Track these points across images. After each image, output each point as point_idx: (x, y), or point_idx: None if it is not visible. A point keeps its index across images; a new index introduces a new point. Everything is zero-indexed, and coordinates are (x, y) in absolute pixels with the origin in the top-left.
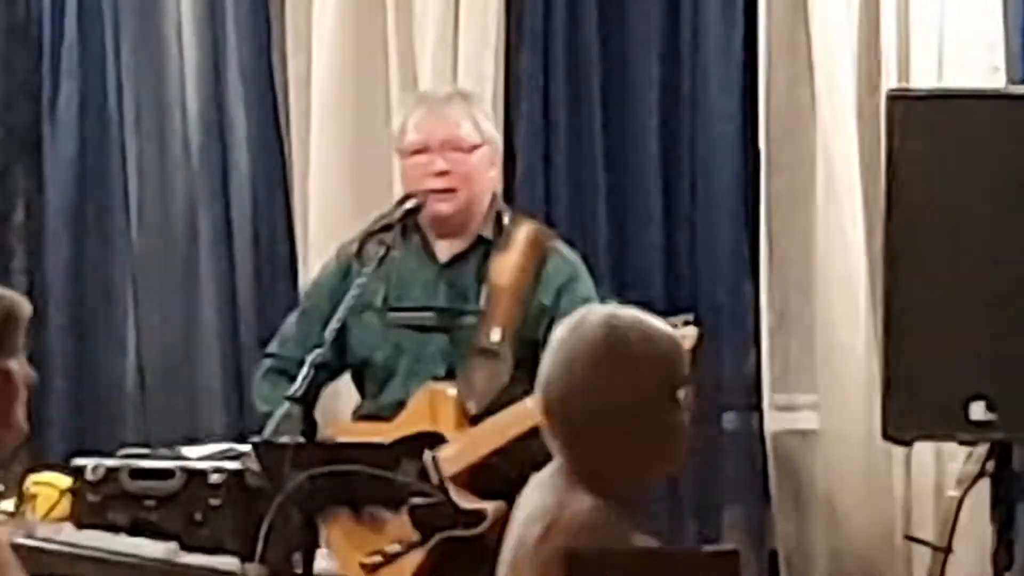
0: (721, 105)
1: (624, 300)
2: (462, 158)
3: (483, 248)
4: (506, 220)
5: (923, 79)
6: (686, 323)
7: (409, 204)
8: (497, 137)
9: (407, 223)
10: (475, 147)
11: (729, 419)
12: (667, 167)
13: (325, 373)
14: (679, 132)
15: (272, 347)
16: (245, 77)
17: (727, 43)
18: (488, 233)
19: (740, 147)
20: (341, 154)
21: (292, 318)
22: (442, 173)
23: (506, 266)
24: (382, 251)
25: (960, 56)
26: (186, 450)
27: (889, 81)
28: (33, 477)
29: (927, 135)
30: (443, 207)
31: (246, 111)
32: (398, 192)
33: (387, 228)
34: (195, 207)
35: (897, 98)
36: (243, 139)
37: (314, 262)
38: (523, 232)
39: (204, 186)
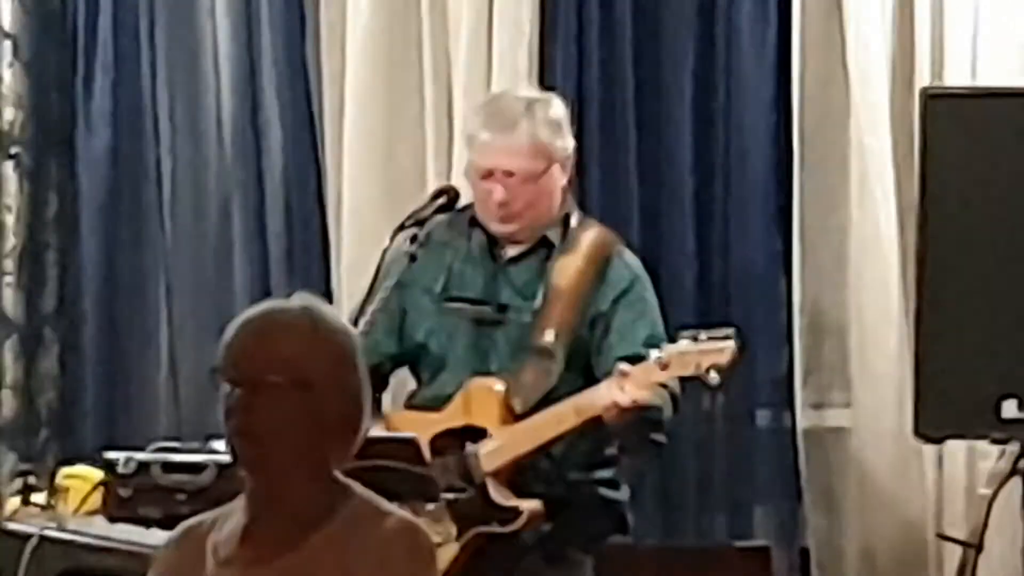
0: (755, 102)
1: (657, 299)
2: (524, 189)
3: (546, 249)
4: (573, 222)
5: (957, 77)
6: (726, 337)
7: (442, 200)
8: (567, 146)
9: (474, 215)
10: (541, 174)
11: (762, 416)
12: (701, 163)
13: (389, 363)
14: (713, 129)
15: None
16: (279, 71)
17: (761, 39)
18: (552, 234)
19: (773, 144)
20: (374, 148)
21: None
22: (504, 203)
23: (568, 269)
24: (413, 245)
25: (994, 54)
26: (218, 444)
27: (923, 79)
28: (65, 470)
29: (962, 133)
30: (505, 228)
31: (280, 105)
32: (431, 186)
33: (420, 223)
34: (228, 201)
35: (932, 96)
36: (277, 133)
37: (346, 256)
38: (589, 236)
39: (237, 180)
